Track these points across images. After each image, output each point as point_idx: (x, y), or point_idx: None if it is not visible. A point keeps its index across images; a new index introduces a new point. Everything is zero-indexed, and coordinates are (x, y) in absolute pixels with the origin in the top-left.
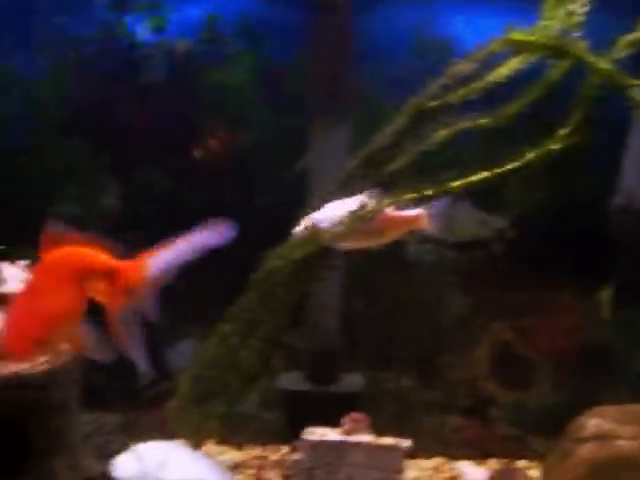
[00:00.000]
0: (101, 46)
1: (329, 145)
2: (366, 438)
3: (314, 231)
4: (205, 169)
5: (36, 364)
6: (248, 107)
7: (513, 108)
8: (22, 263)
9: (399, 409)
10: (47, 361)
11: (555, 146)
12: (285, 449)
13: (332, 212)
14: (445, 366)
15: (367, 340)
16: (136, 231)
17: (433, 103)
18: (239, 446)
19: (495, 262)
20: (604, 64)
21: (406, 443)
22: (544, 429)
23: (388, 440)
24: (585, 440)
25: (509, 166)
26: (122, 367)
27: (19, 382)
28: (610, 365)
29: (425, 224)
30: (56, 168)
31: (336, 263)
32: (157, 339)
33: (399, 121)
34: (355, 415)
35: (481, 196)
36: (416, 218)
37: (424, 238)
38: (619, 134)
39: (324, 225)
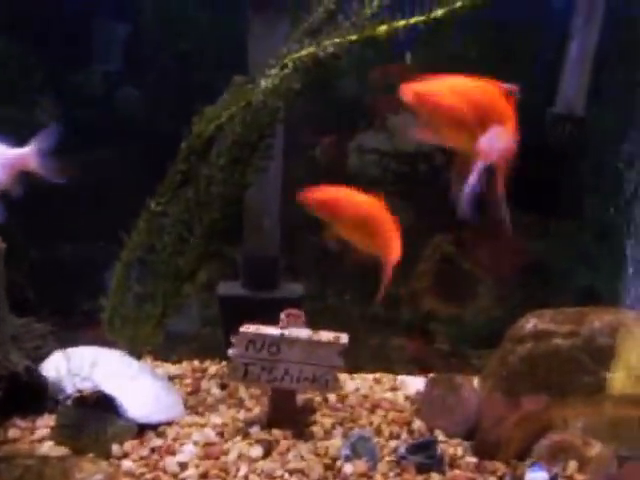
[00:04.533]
0: None
1: (268, 39)
2: (303, 333)
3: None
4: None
5: None
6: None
7: None
8: None
9: (341, 325)
10: None
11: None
12: (224, 363)
13: None
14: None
15: (306, 253)
16: None
17: None
18: (177, 361)
19: (438, 174)
20: None
21: (344, 339)
22: (484, 344)
23: (326, 335)
24: (524, 339)
25: (434, 13)
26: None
27: None
28: (550, 280)
29: (32, 163)
30: None
31: (271, 154)
32: (96, 256)
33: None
34: (292, 311)
35: None
36: (21, 157)
37: (368, 150)
38: (558, 44)
39: None
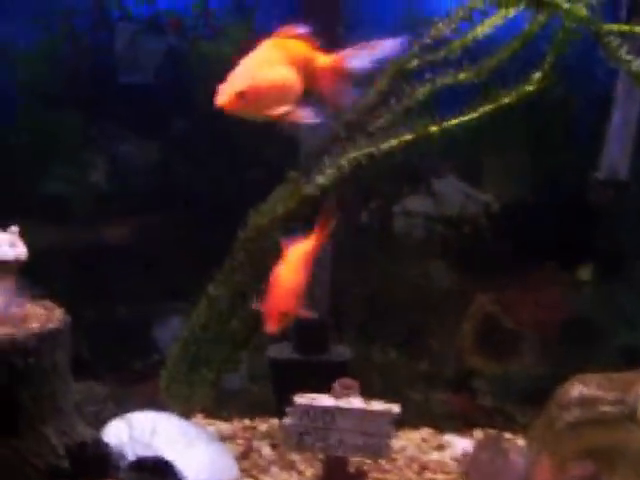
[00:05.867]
0: (93, 18)
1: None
2: (357, 403)
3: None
4: (193, 142)
5: (28, 328)
6: None
7: (493, 61)
8: (13, 229)
9: (386, 382)
10: (38, 326)
11: (529, 88)
12: (274, 420)
13: None
14: (431, 339)
15: (354, 314)
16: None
17: (414, 63)
18: (228, 419)
19: (481, 236)
20: (578, 9)
21: (396, 409)
22: (528, 401)
23: (378, 405)
24: (569, 405)
25: (484, 108)
26: (112, 339)
27: (11, 345)
28: (592, 338)
29: None
30: (43, 143)
31: None
32: (147, 315)
33: (382, 82)
34: (345, 380)
35: (466, 170)
36: None
37: (412, 213)
38: (603, 109)
39: None
